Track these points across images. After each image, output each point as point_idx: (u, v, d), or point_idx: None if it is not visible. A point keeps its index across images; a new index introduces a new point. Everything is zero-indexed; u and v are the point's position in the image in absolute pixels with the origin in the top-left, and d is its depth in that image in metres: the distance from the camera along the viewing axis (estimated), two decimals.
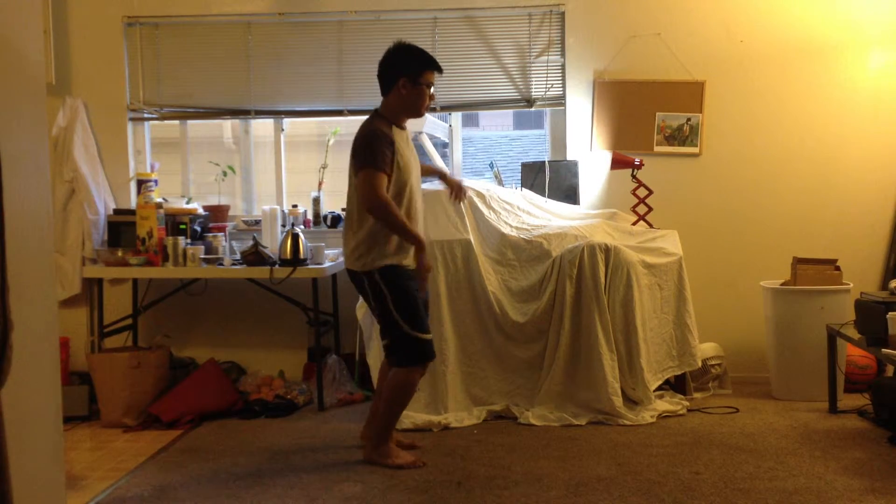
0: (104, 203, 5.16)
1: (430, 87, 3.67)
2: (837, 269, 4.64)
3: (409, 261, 3.63)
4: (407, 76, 3.61)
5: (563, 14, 5.19)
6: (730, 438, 3.95)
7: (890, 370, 4.66)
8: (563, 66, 5.21)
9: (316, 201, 5.32)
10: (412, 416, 4.27)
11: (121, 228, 4.99)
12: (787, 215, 5.18)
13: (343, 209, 5.27)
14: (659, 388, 4.54)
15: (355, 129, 5.62)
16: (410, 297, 3.61)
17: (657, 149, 5.18)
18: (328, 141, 5.29)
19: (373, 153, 3.50)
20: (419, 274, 3.60)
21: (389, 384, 3.70)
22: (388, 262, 3.58)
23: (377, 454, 3.69)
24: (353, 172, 3.60)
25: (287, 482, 3.50)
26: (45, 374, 2.34)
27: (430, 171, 4.19)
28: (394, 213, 3.50)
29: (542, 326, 4.40)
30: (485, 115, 8.33)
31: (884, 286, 4.87)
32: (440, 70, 3.71)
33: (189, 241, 4.86)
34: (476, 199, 4.66)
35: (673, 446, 3.84)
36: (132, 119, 5.37)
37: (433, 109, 5.29)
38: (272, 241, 4.85)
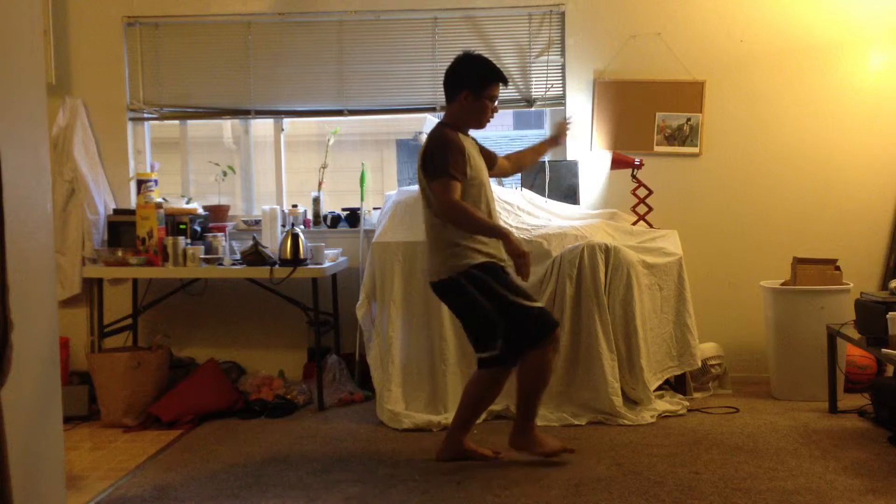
0: (104, 203, 5.17)
1: (493, 101, 3.62)
2: (837, 269, 4.64)
3: (501, 254, 3.56)
4: (470, 89, 3.57)
5: (563, 14, 5.19)
6: (730, 438, 3.95)
7: (890, 370, 4.66)
8: (563, 66, 5.21)
9: (316, 201, 5.32)
10: (412, 415, 4.27)
11: (121, 228, 4.99)
12: (788, 215, 5.17)
13: (343, 209, 5.31)
14: (659, 388, 4.54)
15: (355, 129, 5.72)
16: (510, 278, 3.54)
17: (657, 149, 5.18)
18: (328, 141, 5.29)
19: (443, 161, 3.46)
20: (515, 261, 3.47)
21: (525, 371, 3.58)
22: (480, 260, 3.52)
23: (524, 443, 3.64)
24: (426, 184, 3.54)
25: (287, 482, 3.50)
26: (45, 374, 2.34)
27: (541, 150, 4.13)
28: (470, 213, 3.46)
29: None
30: None
31: (884, 286, 4.87)
32: (506, 82, 3.66)
33: (189, 241, 4.86)
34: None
35: (673, 446, 3.84)
36: (132, 119, 5.37)
37: (432, 109, 5.30)
38: (272, 241, 4.85)
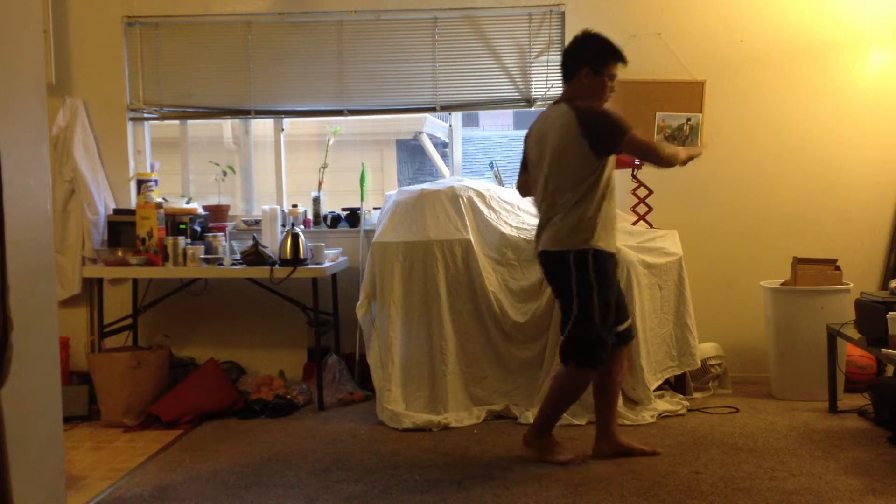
0: (104, 203, 5.16)
1: (612, 79, 3.60)
2: (837, 269, 4.64)
3: (612, 247, 3.56)
4: (590, 66, 3.55)
5: (563, 14, 5.19)
6: (730, 438, 3.95)
7: (890, 370, 4.66)
8: None
9: (316, 201, 5.32)
10: (412, 415, 4.27)
11: (121, 228, 4.99)
12: (788, 215, 5.17)
13: (343, 209, 5.31)
14: (659, 388, 4.54)
15: (355, 129, 5.72)
16: (612, 293, 3.54)
17: None
18: (328, 141, 5.29)
19: (614, 120, 3.47)
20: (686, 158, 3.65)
21: (560, 382, 3.61)
22: (600, 246, 3.49)
23: (537, 448, 3.64)
24: (597, 154, 3.47)
25: (287, 482, 3.50)
26: (45, 374, 2.35)
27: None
28: (664, 146, 3.63)
29: (542, 326, 4.39)
30: (485, 115, 8.34)
31: (884, 286, 4.87)
32: (625, 61, 3.62)
33: (189, 241, 4.86)
34: (476, 199, 4.67)
35: (673, 446, 3.84)
36: (132, 119, 5.37)
37: (432, 109, 5.30)
38: (272, 241, 4.85)
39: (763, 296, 4.76)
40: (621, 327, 3.66)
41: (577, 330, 3.51)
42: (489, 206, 4.68)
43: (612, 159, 3.56)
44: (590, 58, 3.57)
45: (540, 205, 3.67)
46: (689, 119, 5.17)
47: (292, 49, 5.32)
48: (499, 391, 4.44)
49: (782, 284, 4.71)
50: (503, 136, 7.84)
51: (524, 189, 3.90)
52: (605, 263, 3.53)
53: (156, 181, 5.03)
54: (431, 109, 5.33)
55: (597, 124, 3.48)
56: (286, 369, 5.18)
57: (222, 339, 5.29)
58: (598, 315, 3.48)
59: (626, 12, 5.16)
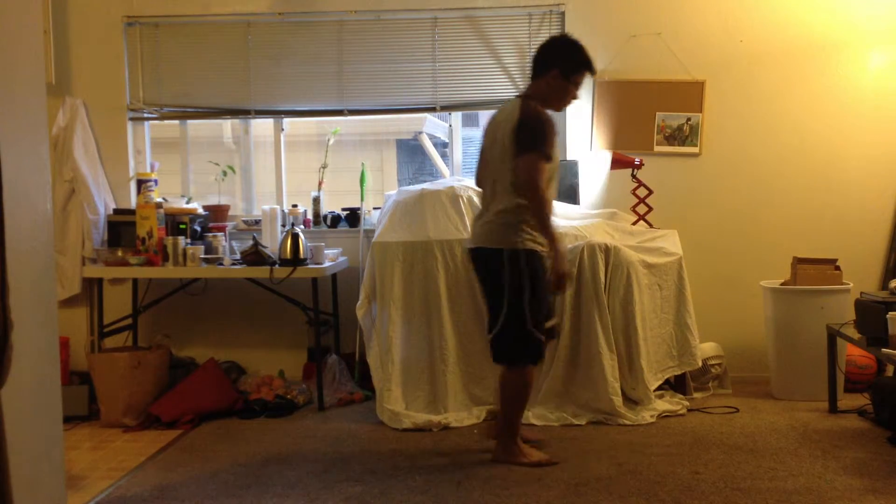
0: (104, 203, 5.16)
1: (577, 87, 3.65)
2: (837, 268, 4.64)
3: (545, 247, 3.55)
4: (561, 69, 3.59)
5: (563, 14, 5.19)
6: (730, 438, 3.95)
7: (890, 370, 4.66)
8: None
9: (316, 201, 5.32)
10: (412, 415, 4.27)
11: (121, 228, 4.99)
12: (788, 215, 5.17)
13: (344, 209, 5.31)
14: (659, 388, 4.54)
15: (355, 129, 5.72)
16: (544, 293, 3.55)
17: (657, 149, 5.18)
18: (328, 141, 5.29)
19: (543, 138, 3.46)
20: (554, 277, 3.47)
21: (504, 386, 3.64)
22: (535, 247, 3.51)
23: (506, 454, 3.65)
24: (513, 152, 3.48)
25: (287, 482, 3.50)
26: (45, 374, 2.34)
27: None
28: (547, 207, 3.45)
29: None
30: (485, 115, 8.32)
31: (884, 286, 4.87)
32: (594, 73, 3.70)
33: (189, 240, 4.86)
34: (476, 199, 4.66)
35: (673, 446, 3.84)
36: (132, 119, 5.37)
37: (432, 109, 5.30)
38: (272, 241, 4.85)
39: (763, 296, 4.76)
40: (548, 324, 3.67)
41: (508, 330, 3.53)
42: None
43: (554, 162, 3.56)
44: (563, 61, 3.61)
45: (482, 197, 3.71)
46: (689, 119, 5.17)
47: (292, 49, 5.32)
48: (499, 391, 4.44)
49: (782, 284, 4.71)
50: None
51: (477, 180, 3.90)
52: (538, 263, 3.54)
53: (156, 181, 5.03)
54: (431, 109, 5.33)
55: (527, 126, 3.50)
56: (286, 369, 5.18)
57: (222, 339, 5.29)
58: (529, 314, 3.50)
59: (626, 12, 5.16)
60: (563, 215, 4.91)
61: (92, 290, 5.09)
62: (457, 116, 5.45)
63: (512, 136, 3.50)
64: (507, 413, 3.67)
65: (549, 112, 3.58)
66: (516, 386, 3.61)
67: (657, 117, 5.18)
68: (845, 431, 4.02)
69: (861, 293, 4.23)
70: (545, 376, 4.37)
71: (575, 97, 3.69)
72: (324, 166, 5.28)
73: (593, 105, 5.18)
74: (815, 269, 4.62)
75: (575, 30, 5.16)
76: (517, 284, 3.49)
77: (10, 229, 1.61)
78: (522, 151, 3.46)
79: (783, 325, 4.63)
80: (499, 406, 3.75)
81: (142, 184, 4.96)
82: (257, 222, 5.22)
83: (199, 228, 5.00)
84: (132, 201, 5.25)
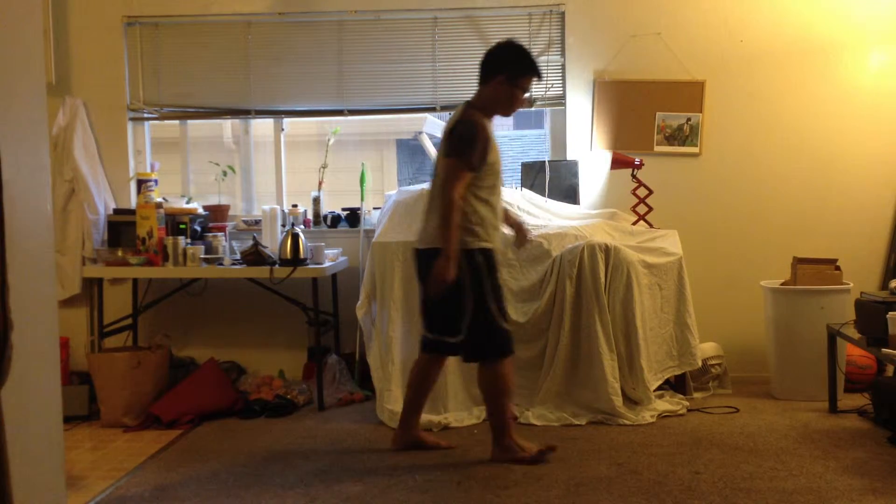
0: (104, 203, 5.16)
1: (524, 92, 3.69)
2: (837, 268, 4.64)
3: (496, 242, 3.64)
4: (506, 74, 3.61)
5: (563, 14, 5.19)
6: (730, 438, 3.95)
7: (890, 370, 4.66)
8: (563, 66, 5.21)
9: (316, 201, 5.32)
10: None
11: (121, 228, 4.99)
12: (788, 215, 5.17)
13: (344, 209, 5.31)
14: (659, 388, 4.54)
15: (355, 129, 5.72)
16: (500, 289, 3.65)
17: (657, 149, 5.18)
18: (328, 141, 5.29)
19: (469, 147, 3.50)
20: (434, 277, 3.49)
21: (485, 385, 3.70)
22: (486, 245, 3.57)
23: (503, 452, 3.67)
24: (442, 154, 3.60)
25: (287, 482, 3.50)
26: (45, 374, 2.34)
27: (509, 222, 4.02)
28: (454, 218, 3.46)
29: (542, 326, 4.40)
30: None
31: (884, 286, 4.87)
32: (540, 77, 3.73)
33: (189, 240, 4.86)
34: None
35: (673, 446, 3.84)
36: (132, 119, 5.37)
37: (432, 109, 5.30)
38: (272, 241, 4.85)
39: (763, 296, 4.76)
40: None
41: (478, 328, 3.58)
42: None
43: (494, 168, 3.59)
44: (508, 66, 3.63)
45: (429, 198, 3.73)
46: (689, 119, 5.18)
47: (292, 49, 5.32)
48: None
49: (782, 284, 4.71)
50: (503, 135, 7.83)
51: (431, 181, 3.91)
52: (493, 261, 3.62)
53: (156, 181, 5.03)
54: (431, 109, 5.33)
55: (456, 132, 3.56)
56: (286, 369, 5.18)
57: (222, 339, 5.29)
58: (493, 308, 3.58)
59: (626, 12, 5.16)
60: (563, 215, 4.92)
61: (92, 290, 5.09)
62: None
63: (443, 140, 3.62)
64: (493, 411, 3.70)
65: (497, 117, 3.70)
66: (495, 381, 3.65)
67: (657, 117, 5.18)
68: (845, 431, 4.02)
69: (861, 293, 4.23)
70: (545, 376, 4.37)
71: (522, 103, 3.72)
72: (324, 166, 5.28)
73: (593, 105, 5.18)
74: (815, 269, 4.62)
75: (575, 30, 5.17)
76: (478, 281, 3.55)
77: (10, 229, 1.61)
78: (446, 155, 3.56)
79: (783, 325, 4.63)
80: (488, 407, 3.77)
81: (142, 184, 4.96)
82: (257, 222, 5.22)
83: (199, 228, 5.00)
84: (132, 201, 5.25)
